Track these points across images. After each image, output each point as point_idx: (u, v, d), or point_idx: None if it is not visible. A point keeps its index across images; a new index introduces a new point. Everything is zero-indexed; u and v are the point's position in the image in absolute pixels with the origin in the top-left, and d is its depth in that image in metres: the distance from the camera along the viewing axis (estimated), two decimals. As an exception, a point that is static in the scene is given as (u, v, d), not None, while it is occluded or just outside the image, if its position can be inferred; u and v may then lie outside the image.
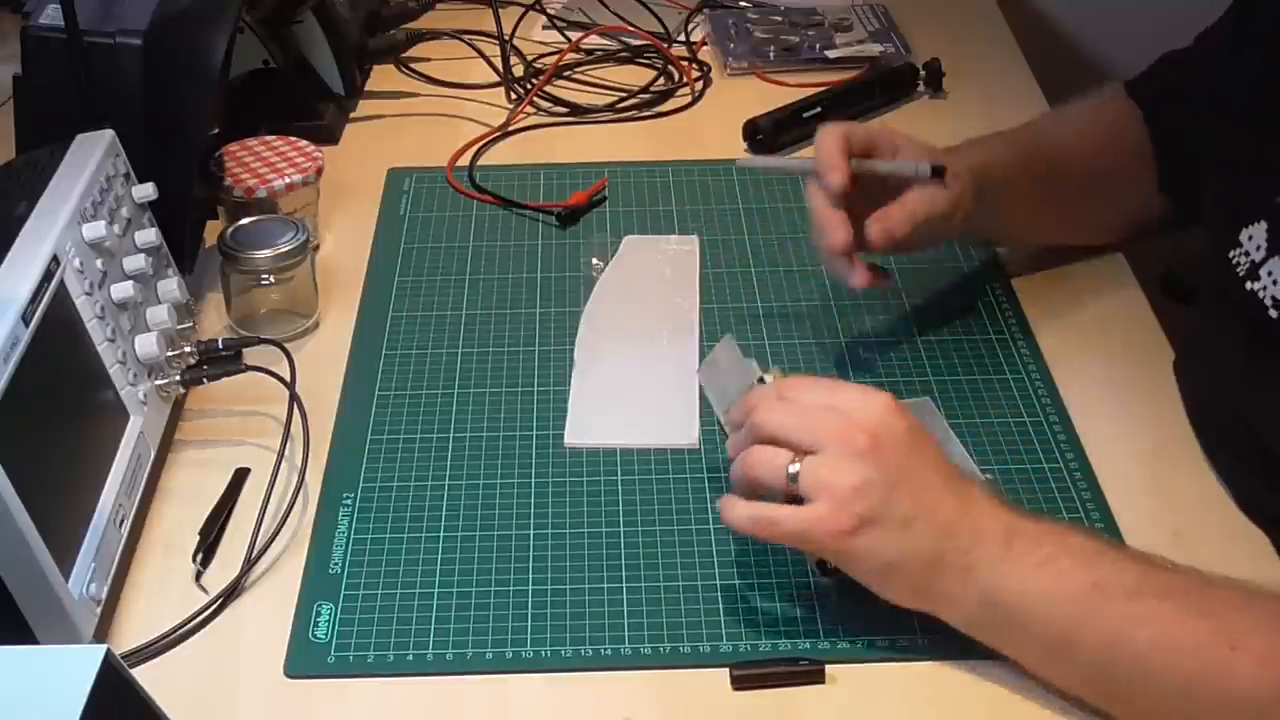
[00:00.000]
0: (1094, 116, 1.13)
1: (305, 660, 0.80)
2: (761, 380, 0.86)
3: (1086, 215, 1.11)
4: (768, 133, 1.30)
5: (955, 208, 0.99)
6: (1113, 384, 1.02)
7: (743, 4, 1.57)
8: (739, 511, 0.78)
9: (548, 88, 1.40)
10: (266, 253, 1.02)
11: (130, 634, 0.82)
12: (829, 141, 0.97)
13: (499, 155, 1.31)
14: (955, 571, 0.75)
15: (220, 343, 0.96)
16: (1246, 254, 0.91)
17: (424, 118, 1.38)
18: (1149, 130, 1.10)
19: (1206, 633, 0.70)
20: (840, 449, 0.76)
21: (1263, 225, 0.91)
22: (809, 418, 0.78)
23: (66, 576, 0.76)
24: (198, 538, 0.88)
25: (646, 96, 1.39)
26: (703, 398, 0.99)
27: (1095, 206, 1.11)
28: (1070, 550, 0.74)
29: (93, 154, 0.92)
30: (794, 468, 0.76)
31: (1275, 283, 0.89)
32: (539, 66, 1.44)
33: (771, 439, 0.78)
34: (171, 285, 0.96)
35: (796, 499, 0.77)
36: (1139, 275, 1.12)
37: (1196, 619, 0.71)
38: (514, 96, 1.39)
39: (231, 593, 0.84)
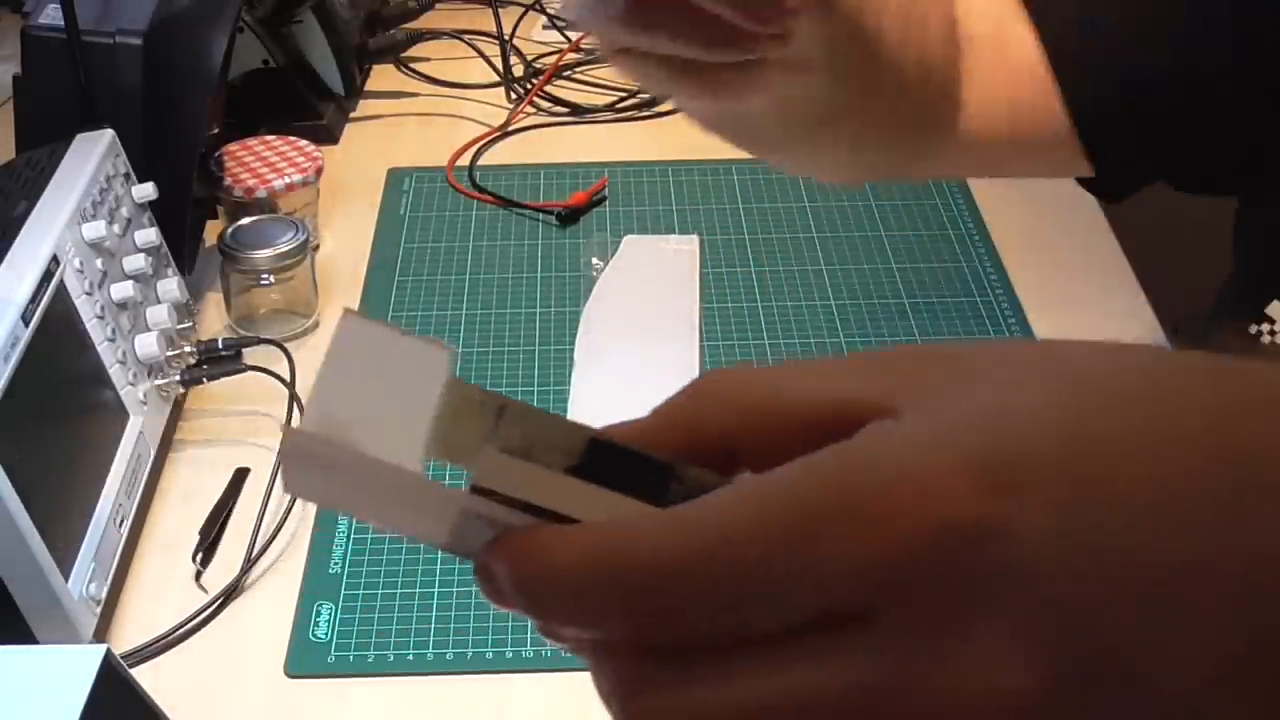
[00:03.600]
0: None
1: (305, 660, 0.80)
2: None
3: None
4: (768, 133, 1.29)
5: None
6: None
7: (743, 4, 1.57)
8: None
9: (548, 88, 1.40)
10: (266, 252, 1.02)
11: (130, 634, 0.82)
12: None
13: (499, 155, 1.31)
14: None
15: (220, 343, 0.96)
16: (1275, 333, 0.67)
17: (424, 117, 1.38)
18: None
19: None
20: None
21: None
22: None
23: (66, 576, 0.76)
24: (198, 537, 0.88)
25: (646, 96, 1.39)
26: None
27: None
28: None
29: (93, 154, 0.92)
30: None
31: None
32: (539, 66, 1.44)
33: None
34: (171, 285, 0.96)
35: None
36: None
37: None
38: (514, 96, 1.39)
39: (231, 593, 0.84)
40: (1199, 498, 0.28)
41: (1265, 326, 0.68)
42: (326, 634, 0.82)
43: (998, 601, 0.27)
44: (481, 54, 1.43)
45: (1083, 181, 0.73)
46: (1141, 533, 0.28)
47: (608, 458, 0.32)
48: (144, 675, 0.67)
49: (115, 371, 0.87)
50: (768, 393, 0.32)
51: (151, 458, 0.90)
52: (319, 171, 1.14)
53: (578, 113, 1.37)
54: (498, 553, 0.30)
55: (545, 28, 1.53)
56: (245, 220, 1.06)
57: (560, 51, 1.44)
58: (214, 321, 1.07)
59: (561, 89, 1.41)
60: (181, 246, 1.03)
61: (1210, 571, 0.28)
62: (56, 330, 0.81)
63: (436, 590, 0.84)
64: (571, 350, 1.04)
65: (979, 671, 0.27)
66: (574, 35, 1.48)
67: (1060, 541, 0.27)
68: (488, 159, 1.30)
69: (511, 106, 1.37)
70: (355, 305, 1.10)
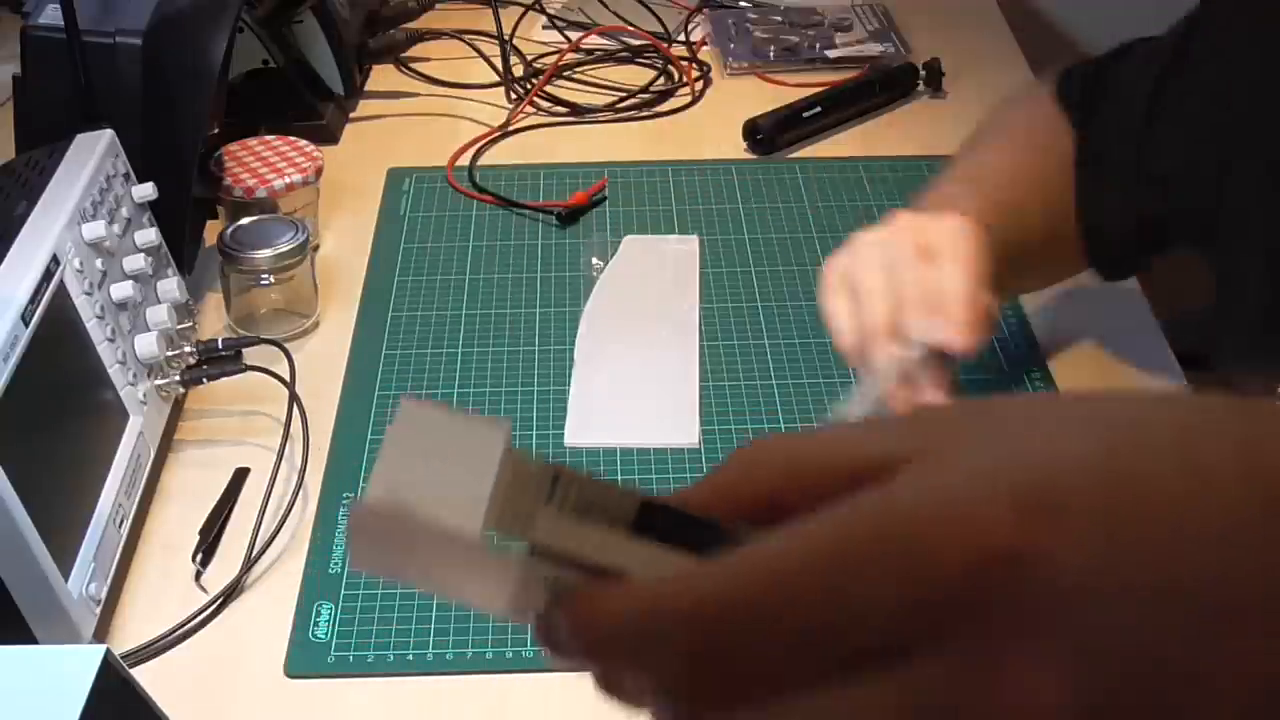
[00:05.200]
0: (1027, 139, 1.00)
1: (305, 660, 0.80)
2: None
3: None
4: (768, 133, 1.29)
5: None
6: (1114, 385, 1.02)
7: (743, 4, 1.57)
8: None
9: (548, 87, 1.40)
10: (266, 253, 1.02)
11: (130, 634, 0.82)
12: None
13: (499, 155, 1.31)
14: None
15: (220, 343, 0.96)
16: None
17: (424, 117, 1.38)
18: (1078, 157, 0.95)
19: None
20: None
21: None
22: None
23: (66, 576, 0.76)
24: (198, 537, 0.88)
25: (646, 96, 1.39)
26: (703, 398, 0.99)
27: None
28: None
29: (92, 154, 0.92)
30: None
31: None
32: (539, 66, 1.44)
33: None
34: (171, 285, 0.96)
35: None
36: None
37: None
38: (514, 96, 1.39)
39: (231, 593, 0.84)
40: (1231, 521, 0.29)
41: None
42: (326, 634, 0.82)
43: (1040, 626, 0.28)
44: (481, 54, 1.43)
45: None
46: (1177, 558, 0.29)
47: (660, 519, 0.34)
48: (144, 675, 0.67)
49: (115, 371, 0.87)
50: (812, 452, 0.33)
51: (151, 458, 0.90)
52: (319, 171, 1.14)
53: (578, 113, 1.37)
54: (560, 603, 0.32)
55: (545, 28, 1.53)
56: (245, 220, 1.06)
57: (560, 51, 1.44)
58: (214, 321, 1.07)
59: (561, 89, 1.41)
60: (181, 246, 1.03)
61: (1244, 593, 0.28)
62: (56, 330, 0.81)
63: (436, 590, 0.84)
64: (571, 350, 1.04)
65: (1019, 692, 0.28)
66: (574, 35, 1.48)
67: (1100, 566, 0.28)
68: (488, 159, 1.30)
69: (511, 106, 1.37)
70: (356, 305, 1.10)
